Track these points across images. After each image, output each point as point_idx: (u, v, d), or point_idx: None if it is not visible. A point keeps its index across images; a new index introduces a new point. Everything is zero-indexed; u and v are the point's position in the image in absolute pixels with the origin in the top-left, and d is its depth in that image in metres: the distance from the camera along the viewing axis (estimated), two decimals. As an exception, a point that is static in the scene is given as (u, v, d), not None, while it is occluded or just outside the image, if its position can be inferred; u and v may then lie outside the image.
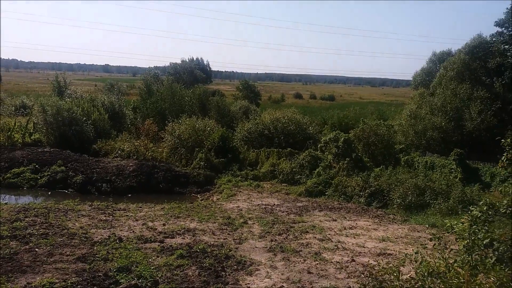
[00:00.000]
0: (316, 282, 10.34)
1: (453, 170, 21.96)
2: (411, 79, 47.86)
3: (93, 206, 17.16)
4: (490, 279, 5.76)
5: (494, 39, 28.95)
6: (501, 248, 6.44)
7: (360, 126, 26.54)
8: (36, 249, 11.46)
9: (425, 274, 6.17)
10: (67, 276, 9.85)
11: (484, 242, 6.57)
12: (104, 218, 15.39)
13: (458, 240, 7.02)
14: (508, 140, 7.05)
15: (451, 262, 6.26)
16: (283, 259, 11.90)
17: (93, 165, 24.21)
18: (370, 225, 16.02)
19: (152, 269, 10.56)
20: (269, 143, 28.64)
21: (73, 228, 13.67)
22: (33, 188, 22.34)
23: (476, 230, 6.83)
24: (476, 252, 6.53)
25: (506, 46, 28.32)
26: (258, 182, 23.21)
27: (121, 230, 13.89)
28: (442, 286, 5.96)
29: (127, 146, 27.45)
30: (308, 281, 10.38)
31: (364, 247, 13.29)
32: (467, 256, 6.51)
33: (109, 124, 31.75)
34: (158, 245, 12.47)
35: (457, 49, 32.55)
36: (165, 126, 29.57)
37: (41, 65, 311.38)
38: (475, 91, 27.08)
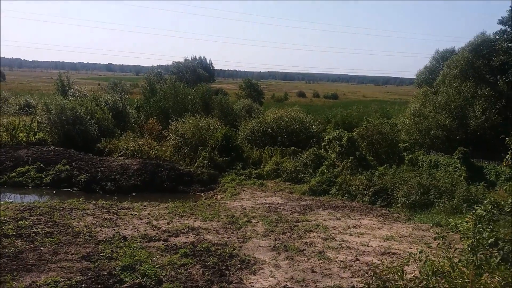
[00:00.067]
0: (320, 281, 10.35)
1: (457, 168, 21.89)
2: (415, 77, 47.71)
3: (97, 205, 17.23)
4: (495, 278, 5.74)
5: (497, 37, 28.81)
6: (506, 248, 6.41)
7: (364, 125, 26.49)
8: (41, 248, 11.52)
9: (430, 273, 6.15)
10: (72, 274, 9.90)
11: (489, 242, 6.53)
12: (109, 217, 15.45)
13: (463, 239, 6.99)
14: (513, 138, 7.01)
15: (455, 261, 6.25)
16: (287, 258, 11.91)
17: (97, 164, 24.28)
18: (374, 224, 16.00)
19: (156, 268, 10.60)
20: (272, 141, 28.63)
21: (78, 227, 13.74)
22: (38, 187, 22.42)
23: (481, 229, 6.79)
24: (481, 252, 6.49)
25: (510, 44, 28.17)
26: (262, 181, 23.22)
27: (125, 229, 13.95)
28: (447, 286, 5.95)
29: (131, 145, 27.52)
30: (312, 280, 10.39)
31: (368, 246, 13.28)
32: (472, 256, 6.48)
33: (112, 123, 31.83)
34: (162, 244, 12.51)
35: (461, 47, 32.42)
36: (168, 125, 29.61)
37: (44, 64, 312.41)
38: (479, 89, 26.96)
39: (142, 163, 24.51)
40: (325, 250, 12.66)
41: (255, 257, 11.85)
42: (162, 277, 10.09)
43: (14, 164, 23.85)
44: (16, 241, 11.88)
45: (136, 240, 12.70)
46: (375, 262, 11.24)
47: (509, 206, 6.96)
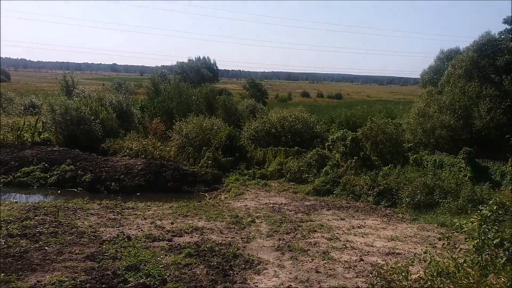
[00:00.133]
0: (324, 282, 10.33)
1: (462, 168, 21.78)
2: (419, 77, 47.49)
3: (101, 205, 17.28)
4: (501, 279, 5.71)
5: (502, 36, 28.62)
6: (511, 248, 6.37)
7: (368, 125, 26.41)
8: (46, 248, 11.57)
9: (434, 274, 6.13)
10: (76, 274, 9.93)
11: (494, 242, 6.50)
12: (113, 216, 15.49)
13: (468, 239, 6.96)
14: (518, 138, 6.97)
15: (460, 262, 6.22)
16: (291, 258, 11.89)
17: (102, 164, 24.36)
18: (378, 224, 15.95)
19: (160, 267, 10.62)
20: (276, 142, 28.61)
21: (82, 227, 13.78)
22: (43, 187, 22.53)
23: (486, 230, 6.76)
24: (486, 252, 6.46)
25: (515, 44, 27.95)
26: (266, 181, 23.21)
27: (129, 229, 13.98)
28: (452, 287, 5.92)
29: (135, 145, 27.60)
30: (316, 281, 10.37)
31: (373, 247, 13.24)
32: (477, 256, 6.45)
33: (117, 123, 31.92)
34: (166, 244, 12.53)
35: (465, 46, 32.25)
36: (172, 125, 29.65)
37: (49, 64, 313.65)
38: (484, 89, 26.80)
39: (146, 163, 24.57)
40: (329, 250, 12.64)
41: (259, 257, 11.84)
42: (166, 277, 10.10)
43: (19, 164, 23.98)
44: (21, 241, 11.93)
45: (140, 240, 12.73)
46: (379, 263, 11.21)
47: (515, 206, 6.92)
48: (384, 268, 6.91)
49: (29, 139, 28.91)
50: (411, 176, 20.08)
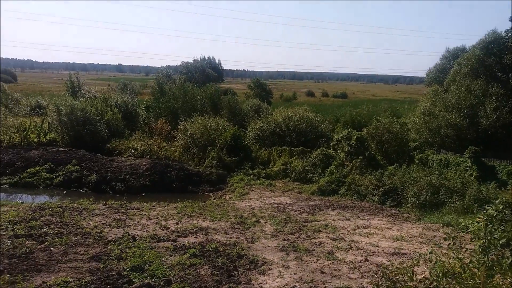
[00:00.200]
0: (329, 282, 10.28)
1: (468, 168, 21.62)
2: (425, 76, 47.20)
3: (107, 205, 17.34)
4: (507, 280, 5.65)
5: (509, 34, 28.34)
6: (518, 249, 6.31)
7: (373, 124, 26.28)
8: (51, 248, 11.62)
9: (440, 274, 6.07)
10: (81, 275, 9.97)
11: (501, 242, 6.45)
12: (118, 217, 15.53)
13: (474, 239, 6.90)
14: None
15: (466, 262, 6.16)
16: (295, 258, 11.86)
17: (107, 164, 24.46)
18: (384, 224, 15.87)
19: (165, 268, 10.63)
20: (281, 141, 28.57)
21: (88, 227, 13.83)
22: (48, 187, 22.66)
23: (492, 230, 6.71)
24: (492, 252, 6.41)
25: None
26: (270, 181, 23.18)
27: (134, 229, 14.01)
28: (457, 287, 5.87)
29: (141, 145, 27.69)
30: (321, 281, 10.33)
31: (378, 247, 13.17)
32: (483, 256, 6.39)
33: (122, 124, 32.05)
34: (171, 244, 12.54)
35: (471, 45, 31.97)
36: (177, 125, 29.72)
37: (55, 65, 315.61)
38: (490, 88, 26.58)
39: (152, 163, 24.64)
40: (334, 251, 12.59)
41: (263, 258, 11.82)
42: (170, 277, 10.11)
43: (26, 164, 24.14)
44: (27, 242, 11.99)
45: (145, 241, 12.75)
46: (384, 263, 11.14)
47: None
48: (389, 268, 6.86)
49: (35, 140, 29.07)
50: (416, 175, 19.96)
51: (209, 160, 25.48)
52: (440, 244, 13.04)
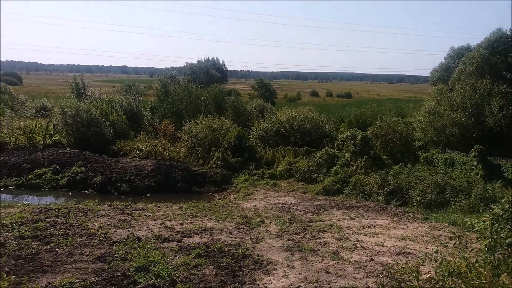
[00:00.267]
0: (334, 282, 10.25)
1: (474, 167, 21.48)
2: (429, 75, 47.01)
3: (112, 206, 17.39)
4: (513, 279, 5.61)
5: (515, 33, 28.17)
6: (524, 248, 6.25)
7: (378, 123, 26.19)
8: (57, 249, 11.66)
9: (446, 274, 6.03)
10: (87, 276, 10.00)
11: (507, 241, 6.39)
12: (123, 218, 15.57)
13: (480, 239, 6.85)
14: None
15: (472, 261, 6.11)
16: (300, 258, 11.83)
17: (112, 166, 24.54)
18: (389, 224, 15.81)
19: (170, 268, 10.64)
20: (285, 141, 28.55)
21: (93, 228, 13.88)
22: (54, 188, 22.78)
23: (499, 229, 6.65)
24: (499, 252, 6.35)
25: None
26: (275, 181, 23.15)
27: (139, 230, 14.04)
28: (463, 287, 5.83)
29: (145, 146, 27.78)
30: (326, 281, 10.30)
31: (383, 246, 13.12)
32: (489, 256, 6.34)
33: (127, 125, 32.17)
34: (176, 245, 12.55)
35: (476, 44, 31.79)
36: (182, 126, 29.78)
37: (60, 67, 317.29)
38: (495, 86, 26.41)
39: (156, 164, 24.70)
40: (339, 251, 12.55)
41: (268, 258, 11.80)
42: (175, 278, 10.12)
43: (31, 166, 24.27)
44: (33, 243, 12.05)
45: (150, 241, 12.77)
46: (390, 263, 11.09)
47: (528, 205, 6.79)
48: (395, 268, 6.82)
49: (40, 142, 29.22)
50: (421, 175, 19.86)
51: (213, 161, 25.51)
52: (446, 243, 12.97)
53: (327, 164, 23.56)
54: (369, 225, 15.55)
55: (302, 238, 13.75)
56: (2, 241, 11.91)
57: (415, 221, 16.43)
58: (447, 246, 12.44)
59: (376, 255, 12.29)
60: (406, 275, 6.53)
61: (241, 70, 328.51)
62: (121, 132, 30.94)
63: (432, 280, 6.20)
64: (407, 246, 13.13)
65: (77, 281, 9.64)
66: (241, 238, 13.52)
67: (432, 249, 8.95)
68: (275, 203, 18.73)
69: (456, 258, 6.19)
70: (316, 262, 11.55)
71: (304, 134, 28.95)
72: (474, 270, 5.93)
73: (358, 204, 18.85)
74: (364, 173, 21.55)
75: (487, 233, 6.67)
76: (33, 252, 11.28)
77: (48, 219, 14.57)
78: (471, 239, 10.44)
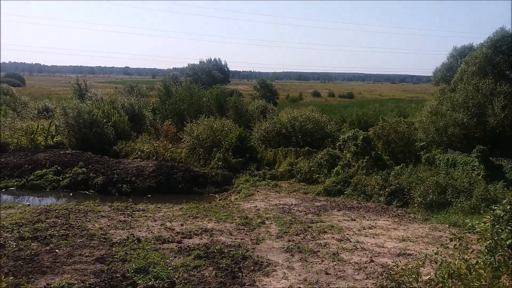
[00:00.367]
0: (333, 283, 10.20)
1: (475, 167, 21.37)
2: (432, 75, 46.84)
3: (112, 207, 17.38)
4: (514, 281, 5.54)
5: (518, 32, 28.03)
6: (525, 249, 6.18)
7: (380, 124, 26.11)
8: (56, 250, 11.65)
9: (445, 275, 5.97)
10: (86, 277, 9.97)
11: (508, 243, 6.32)
12: (123, 218, 15.55)
13: (480, 240, 6.78)
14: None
15: (472, 263, 6.05)
16: (300, 259, 11.78)
17: (114, 166, 24.54)
18: (390, 225, 15.74)
19: (169, 269, 10.61)
20: (286, 142, 28.50)
21: (93, 229, 13.86)
22: (55, 189, 22.80)
23: (499, 230, 6.58)
24: (499, 253, 6.28)
25: (531, 39, 27.36)
26: (276, 182, 23.11)
27: (139, 231, 14.02)
28: (463, 288, 5.77)
29: (147, 147, 27.78)
30: (325, 282, 10.24)
31: (384, 247, 13.06)
32: (490, 257, 6.27)
33: (129, 126, 32.20)
34: (176, 246, 12.52)
35: (479, 43, 31.63)
36: (183, 127, 29.78)
37: (63, 69, 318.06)
38: (498, 86, 26.27)
39: (158, 165, 24.69)
40: (339, 252, 12.50)
41: (268, 259, 11.76)
42: (174, 279, 10.09)
43: (33, 167, 24.30)
44: (32, 244, 12.04)
45: (150, 242, 12.74)
46: (390, 264, 11.03)
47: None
48: (395, 269, 6.76)
49: (42, 143, 29.27)
50: (423, 175, 19.78)
51: (214, 161, 25.48)
52: (447, 244, 12.89)
53: (329, 164, 23.50)
54: (370, 226, 15.48)
55: (302, 239, 13.70)
56: (1, 242, 11.91)
57: (416, 222, 16.35)
58: (447, 247, 12.35)
59: (376, 256, 12.22)
60: (406, 277, 6.47)
61: (243, 71, 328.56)
62: (123, 133, 30.97)
63: (432, 282, 6.13)
64: (408, 247, 13.07)
65: (76, 282, 9.62)
66: (241, 239, 13.48)
67: (433, 250, 8.87)
68: (276, 204, 18.68)
69: (456, 259, 6.12)
70: (316, 263, 11.49)
71: (305, 134, 28.89)
72: (474, 272, 5.86)
73: (359, 205, 18.77)
74: (365, 173, 21.48)
75: (488, 234, 6.60)
76: (33, 253, 11.27)
77: (48, 220, 14.56)
78: (471, 240, 10.38)
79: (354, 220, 16.24)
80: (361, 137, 23.30)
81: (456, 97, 27.56)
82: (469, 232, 9.99)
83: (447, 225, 15.69)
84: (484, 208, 15.91)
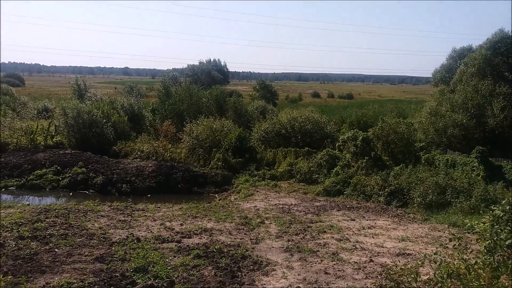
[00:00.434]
0: (333, 283, 10.20)
1: (475, 168, 21.41)
2: (431, 76, 46.87)
3: (112, 207, 17.38)
4: (513, 281, 5.55)
5: (516, 33, 28.07)
6: (524, 249, 6.19)
7: (379, 124, 26.14)
8: (56, 250, 11.65)
9: (445, 275, 5.98)
10: (85, 276, 9.97)
11: (507, 243, 6.33)
12: (123, 218, 15.56)
13: (479, 240, 6.79)
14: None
15: (471, 263, 6.06)
16: (299, 259, 11.79)
17: (113, 166, 24.54)
18: (389, 225, 15.75)
19: (169, 269, 10.61)
20: (286, 142, 28.51)
21: (92, 229, 13.86)
22: (55, 189, 22.81)
23: (499, 230, 6.59)
24: (498, 253, 6.29)
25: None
26: (276, 182, 23.12)
27: (139, 230, 14.02)
28: (462, 288, 5.77)
29: (146, 147, 27.79)
30: (325, 282, 10.25)
31: (383, 247, 13.07)
32: (489, 257, 6.28)
33: (128, 126, 32.22)
34: (175, 245, 12.52)
35: (478, 44, 31.67)
36: (183, 127, 29.80)
37: (63, 69, 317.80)
38: (497, 87, 26.32)
39: (157, 165, 24.70)
40: (338, 251, 12.51)
41: (267, 258, 11.77)
42: (174, 278, 10.08)
43: (32, 167, 24.30)
44: (32, 243, 12.04)
45: (150, 242, 12.75)
46: (389, 264, 11.04)
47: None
48: (394, 269, 6.77)
49: (42, 143, 29.28)
50: (422, 176, 19.80)
51: (214, 162, 25.49)
52: (446, 244, 12.90)
53: (328, 165, 23.52)
54: (369, 226, 15.50)
55: (302, 239, 13.71)
56: (1, 241, 11.91)
57: (415, 222, 16.37)
58: (447, 247, 12.37)
59: (375, 256, 12.23)
60: (405, 277, 6.48)
61: (242, 72, 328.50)
62: (123, 133, 30.98)
63: (431, 282, 6.14)
64: (407, 247, 13.08)
65: (75, 281, 9.62)
66: (240, 239, 13.49)
67: (432, 250, 8.88)
68: (276, 204, 18.69)
69: (455, 259, 6.13)
70: (316, 263, 11.50)
71: (305, 135, 28.91)
72: (473, 272, 5.88)
73: (359, 205, 18.79)
74: (365, 174, 21.50)
75: (487, 234, 6.60)
76: (32, 253, 11.27)
77: (47, 220, 14.56)
78: (471, 241, 10.40)
79: (354, 220, 16.26)
80: (361, 137, 23.32)
81: (455, 98, 27.60)
82: (469, 232, 9.99)
83: (446, 225, 15.71)
84: (483, 208, 15.92)
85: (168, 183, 23.36)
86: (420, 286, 6.27)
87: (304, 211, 17.45)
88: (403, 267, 6.61)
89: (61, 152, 27.11)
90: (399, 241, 13.73)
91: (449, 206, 17.59)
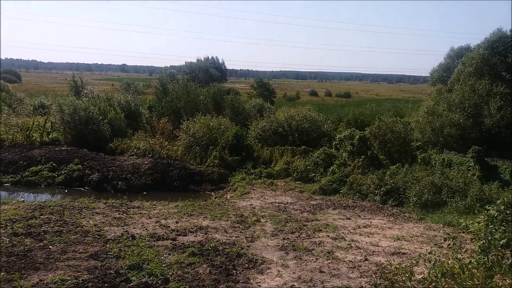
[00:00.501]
0: (327, 282, 10.20)
1: (471, 167, 21.44)
2: (429, 75, 46.96)
3: (107, 204, 17.32)
4: (507, 281, 5.56)
5: (514, 33, 28.09)
6: (518, 249, 6.19)
7: (376, 123, 26.15)
8: (50, 247, 11.60)
9: (439, 275, 5.98)
10: (79, 273, 9.93)
11: (501, 243, 6.33)
12: (118, 215, 15.51)
13: (474, 240, 6.79)
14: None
15: (466, 262, 6.05)
16: (295, 257, 11.78)
17: (109, 163, 24.46)
18: (385, 224, 15.76)
19: (163, 266, 10.58)
20: (283, 141, 28.49)
21: (87, 226, 13.81)
22: (50, 186, 22.71)
23: (493, 230, 6.59)
24: (493, 253, 6.29)
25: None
26: (272, 180, 23.09)
27: (134, 228, 13.98)
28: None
29: (143, 144, 27.72)
30: (319, 280, 10.24)
31: (378, 246, 13.08)
32: (483, 257, 6.28)
33: (125, 123, 32.13)
34: (170, 243, 12.49)
35: (476, 44, 31.70)
36: (180, 125, 29.72)
37: (60, 65, 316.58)
38: (494, 87, 26.36)
39: (153, 162, 24.63)
40: (334, 250, 12.50)
41: (263, 257, 11.75)
42: (168, 276, 10.06)
43: (28, 163, 24.19)
44: (26, 240, 11.98)
45: (145, 239, 12.71)
46: (384, 263, 11.04)
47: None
48: (388, 268, 6.76)
49: (38, 139, 29.15)
50: (419, 175, 19.83)
51: (211, 160, 25.44)
52: (441, 244, 12.90)
53: (325, 163, 23.51)
54: (365, 225, 15.50)
55: (297, 237, 13.70)
56: (-5, 238, 11.84)
57: (411, 221, 16.39)
58: (442, 246, 12.36)
59: (370, 255, 12.24)
60: (400, 276, 6.48)
61: (240, 69, 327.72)
62: (119, 130, 30.89)
63: (425, 281, 6.14)
64: (402, 246, 13.09)
65: (69, 278, 9.57)
66: (236, 237, 13.46)
67: (427, 249, 8.89)
68: (272, 202, 18.68)
69: (450, 259, 6.13)
70: (311, 262, 11.49)
71: (302, 133, 28.90)
72: (467, 271, 5.88)
73: (355, 204, 18.80)
74: (361, 173, 21.50)
75: (482, 234, 6.60)
76: (26, 249, 11.22)
77: (42, 216, 14.50)
78: (465, 240, 10.41)
79: (349, 219, 16.26)
80: (358, 136, 23.32)
81: (452, 98, 27.63)
82: (463, 232, 10.00)
83: (441, 225, 15.73)
84: (478, 208, 15.95)
85: (164, 180, 23.30)
86: (415, 285, 6.27)
87: (300, 210, 17.44)
88: (397, 266, 6.61)
89: (57, 148, 27.01)
90: (394, 240, 13.74)
91: (444, 206, 17.62)
